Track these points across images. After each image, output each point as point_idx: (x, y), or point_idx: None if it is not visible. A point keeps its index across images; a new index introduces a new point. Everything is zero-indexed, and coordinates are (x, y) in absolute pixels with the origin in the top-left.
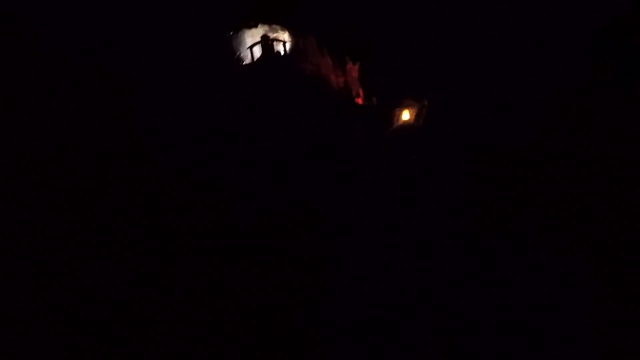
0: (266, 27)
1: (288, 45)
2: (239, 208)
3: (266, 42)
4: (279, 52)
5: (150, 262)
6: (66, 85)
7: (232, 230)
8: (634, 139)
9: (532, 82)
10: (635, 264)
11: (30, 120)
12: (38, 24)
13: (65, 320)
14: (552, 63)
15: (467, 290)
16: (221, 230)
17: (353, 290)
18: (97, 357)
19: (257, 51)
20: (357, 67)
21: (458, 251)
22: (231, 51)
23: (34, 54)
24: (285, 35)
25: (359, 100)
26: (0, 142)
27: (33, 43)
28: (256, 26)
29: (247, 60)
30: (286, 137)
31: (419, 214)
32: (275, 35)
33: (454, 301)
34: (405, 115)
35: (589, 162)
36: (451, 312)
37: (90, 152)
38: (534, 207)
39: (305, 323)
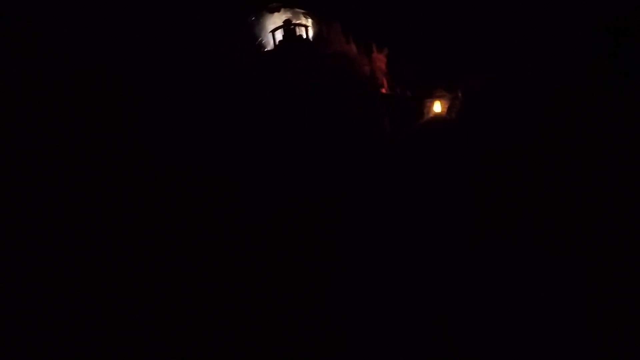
0: (289, 13)
1: (311, 31)
2: (255, 200)
3: (288, 27)
4: (301, 36)
5: (161, 262)
6: (66, 85)
7: (248, 221)
8: (635, 139)
9: (532, 82)
10: (636, 264)
11: (31, 120)
12: (38, 24)
13: (81, 320)
14: (551, 63)
15: (469, 290)
16: (238, 222)
17: (356, 289)
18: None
19: (279, 36)
20: (383, 55)
21: (460, 251)
22: (253, 36)
23: (34, 54)
24: (308, 21)
25: (383, 90)
26: (1, 142)
27: (33, 43)
28: (278, 10)
29: (269, 46)
30: (307, 126)
31: (430, 212)
32: (298, 20)
33: (455, 301)
34: (437, 107)
35: (590, 162)
36: (452, 312)
37: (96, 151)
38: (534, 207)
39: (306, 322)
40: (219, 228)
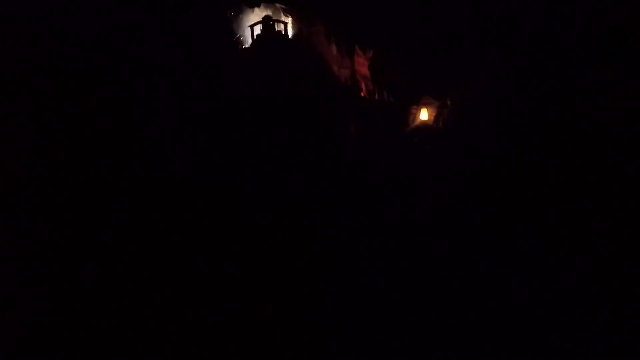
0: (269, 10)
1: (291, 29)
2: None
3: (267, 23)
4: (279, 32)
5: (161, 261)
6: (66, 85)
7: (230, 223)
8: (636, 139)
9: (533, 83)
10: (636, 264)
11: (31, 120)
12: (38, 24)
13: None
14: (552, 64)
15: (469, 290)
16: (219, 223)
17: (356, 289)
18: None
19: (258, 31)
20: (365, 58)
21: (461, 251)
22: (231, 32)
23: (34, 54)
24: (288, 19)
25: (362, 94)
26: (1, 142)
27: (33, 43)
28: (259, 5)
29: (247, 44)
30: (281, 126)
31: (423, 214)
32: (278, 17)
33: (456, 300)
34: (423, 114)
35: (590, 163)
36: (453, 312)
37: (95, 151)
38: (534, 207)
39: (307, 322)
40: (217, 228)
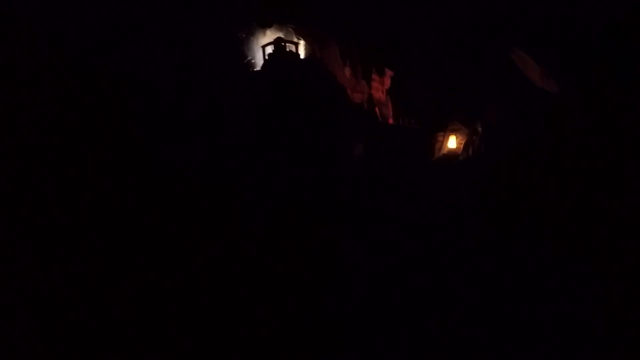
0: (281, 32)
1: (302, 50)
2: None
3: (279, 43)
4: (291, 51)
5: (162, 262)
6: (66, 85)
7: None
8: (636, 140)
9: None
10: (637, 265)
11: (31, 120)
12: (38, 24)
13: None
14: (551, 65)
15: (470, 291)
16: (229, 233)
17: (356, 289)
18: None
19: (269, 51)
20: (378, 82)
21: (461, 252)
22: (242, 54)
23: (34, 54)
24: (300, 41)
25: (380, 119)
26: (1, 142)
27: (33, 43)
28: (271, 26)
29: (259, 64)
30: (289, 141)
31: (423, 214)
32: (290, 39)
33: (456, 301)
34: (452, 142)
35: (590, 163)
36: (453, 312)
37: (95, 151)
38: (535, 207)
39: (307, 322)
40: (218, 228)
